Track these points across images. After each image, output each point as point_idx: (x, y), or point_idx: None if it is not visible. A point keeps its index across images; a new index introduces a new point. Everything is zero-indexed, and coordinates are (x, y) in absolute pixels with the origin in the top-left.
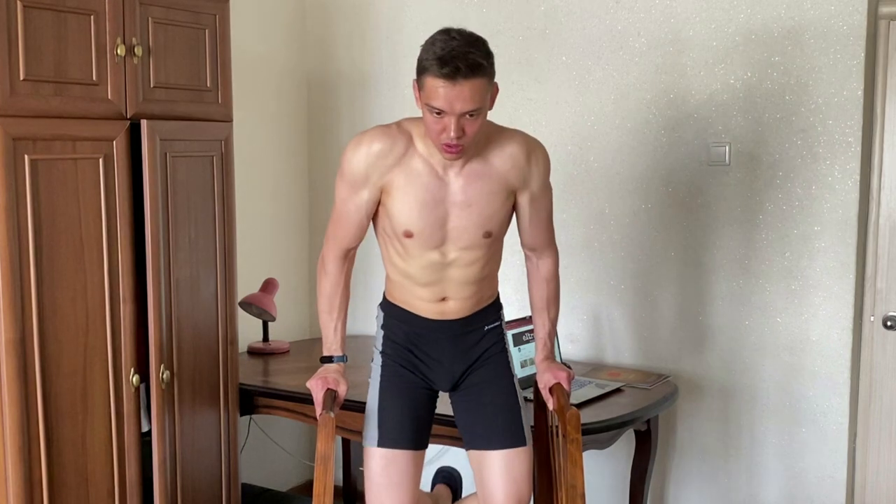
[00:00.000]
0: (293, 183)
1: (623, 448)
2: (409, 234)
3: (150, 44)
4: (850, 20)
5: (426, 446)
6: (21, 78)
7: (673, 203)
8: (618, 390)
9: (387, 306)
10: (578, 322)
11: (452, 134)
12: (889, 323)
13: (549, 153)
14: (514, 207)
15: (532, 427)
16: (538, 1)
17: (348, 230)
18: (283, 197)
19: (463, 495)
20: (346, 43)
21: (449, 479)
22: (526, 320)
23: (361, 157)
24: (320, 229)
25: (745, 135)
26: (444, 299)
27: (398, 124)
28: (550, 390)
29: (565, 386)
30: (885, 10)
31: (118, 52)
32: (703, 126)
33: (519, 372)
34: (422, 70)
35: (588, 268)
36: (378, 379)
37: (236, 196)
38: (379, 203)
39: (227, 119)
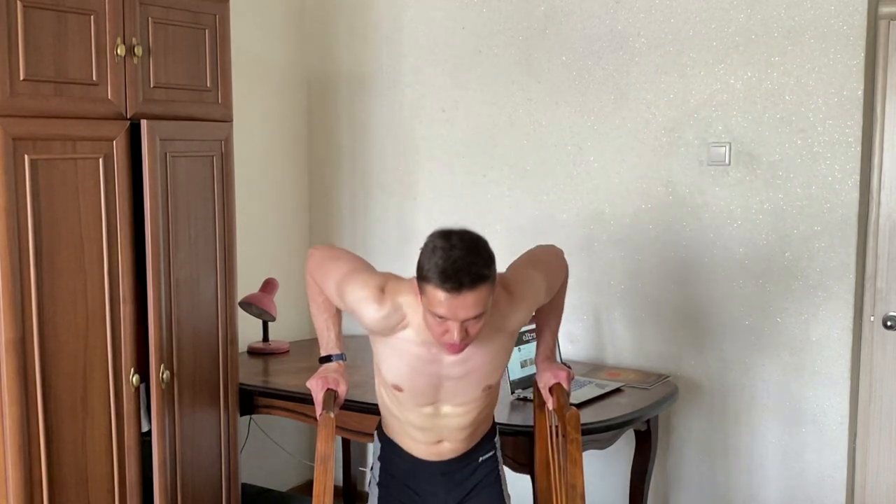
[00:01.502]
0: (293, 183)
1: (623, 448)
2: (398, 389)
3: (150, 44)
4: (850, 20)
5: None
6: (21, 78)
7: (673, 203)
8: (618, 390)
9: (383, 439)
10: (578, 322)
11: (456, 338)
12: (889, 323)
13: (549, 153)
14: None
15: None
16: (538, 1)
17: (323, 289)
18: (283, 197)
19: None
20: (346, 43)
21: None
22: None
23: (355, 300)
24: (320, 229)
25: (745, 135)
26: (439, 442)
27: (394, 302)
28: (550, 390)
29: (565, 386)
30: (885, 10)
31: (118, 52)
32: (703, 126)
33: (519, 372)
34: (423, 278)
35: (588, 268)
36: None
37: (236, 196)
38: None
39: (227, 119)
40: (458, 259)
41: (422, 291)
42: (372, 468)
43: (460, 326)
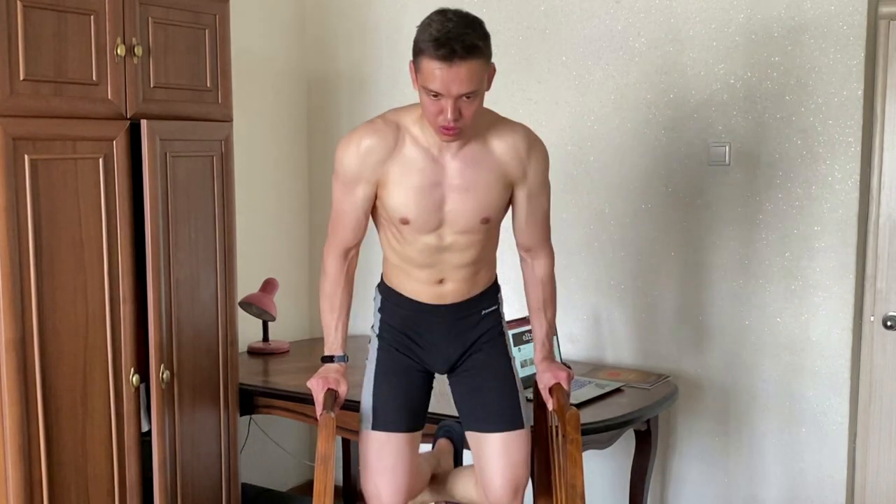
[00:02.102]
0: (293, 183)
1: (623, 448)
2: (405, 221)
3: (150, 44)
4: (850, 20)
5: (422, 427)
6: (21, 78)
7: (673, 203)
8: (618, 390)
9: (384, 290)
10: (578, 322)
11: (450, 116)
12: (889, 323)
13: (549, 153)
14: (511, 202)
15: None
16: (538, 1)
17: (347, 229)
18: (283, 197)
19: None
20: (346, 43)
21: (450, 433)
22: (526, 320)
23: (352, 156)
24: (320, 229)
25: (745, 135)
26: (441, 281)
27: (383, 117)
28: (550, 390)
29: (565, 386)
30: (885, 10)
31: (118, 52)
32: (703, 126)
33: (519, 372)
34: (417, 51)
35: (588, 268)
36: (374, 362)
37: (236, 196)
38: (376, 196)
39: (227, 119)
40: (452, 29)
41: (416, 69)
42: (373, 324)
43: (454, 104)
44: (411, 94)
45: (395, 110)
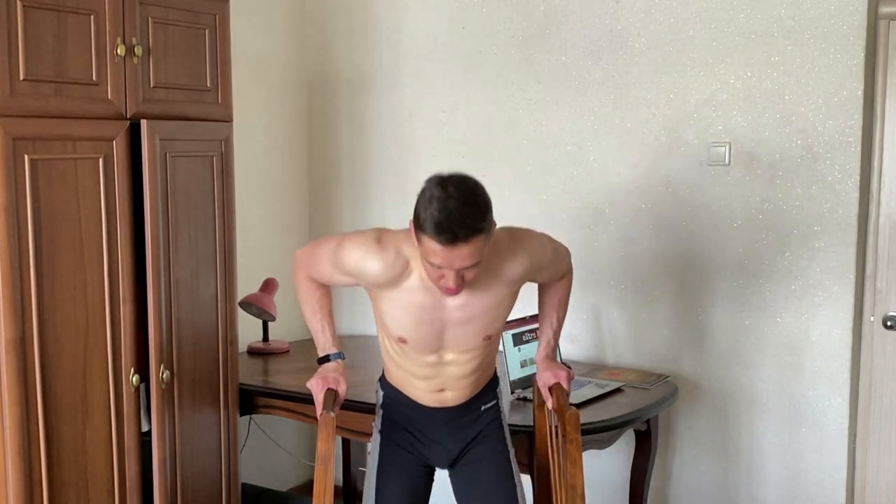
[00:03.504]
0: (293, 183)
1: (623, 448)
2: (403, 341)
3: (150, 44)
4: (850, 20)
5: None
6: (21, 78)
7: (673, 203)
8: (618, 390)
9: (385, 387)
10: (578, 322)
11: (452, 284)
12: (889, 323)
13: (549, 153)
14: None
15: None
16: (538, 1)
17: (319, 277)
18: (283, 197)
19: None
20: (346, 43)
21: None
22: (526, 320)
23: (356, 260)
24: (320, 229)
25: (745, 135)
26: (442, 390)
27: (397, 249)
28: (550, 390)
29: (565, 385)
30: (885, 10)
31: (118, 52)
32: (703, 126)
33: (519, 371)
34: (419, 227)
35: (588, 268)
36: (377, 458)
37: (236, 196)
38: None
39: (227, 119)
40: (454, 211)
41: (418, 240)
42: (374, 420)
43: (456, 274)
44: (411, 95)
45: (409, 238)
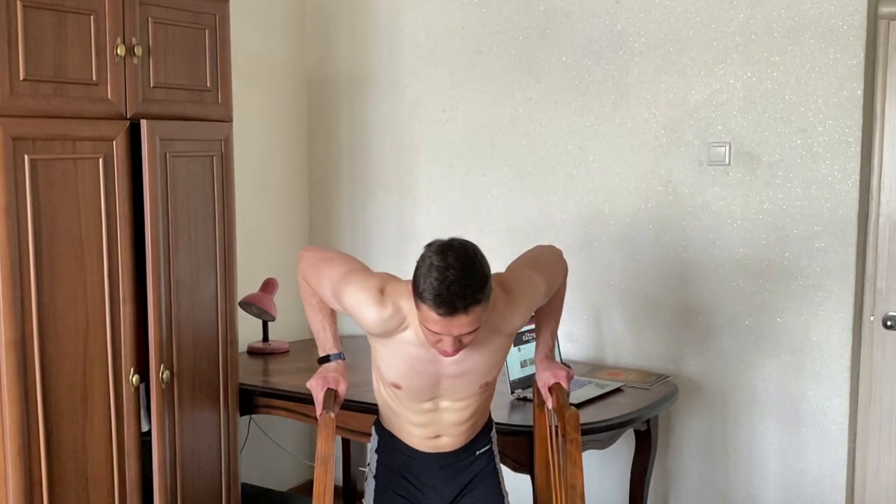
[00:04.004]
0: (293, 183)
1: (623, 448)
2: (397, 387)
3: (150, 44)
4: (850, 20)
5: None
6: (21, 78)
7: (673, 203)
8: (618, 390)
9: (381, 431)
10: (578, 322)
11: (450, 349)
12: (889, 323)
13: (548, 153)
14: None
15: None
16: (538, 1)
17: (318, 293)
18: (283, 197)
19: None
20: (346, 43)
21: None
22: None
23: (354, 303)
24: (320, 229)
25: (745, 135)
26: (437, 436)
27: (395, 304)
28: (550, 389)
29: (564, 385)
30: (885, 10)
31: (118, 52)
32: (703, 126)
33: (519, 372)
34: (418, 295)
35: (588, 268)
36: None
37: (236, 196)
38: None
39: (227, 119)
40: (453, 283)
41: (417, 305)
42: (369, 462)
43: (454, 339)
44: (411, 95)
45: (397, 286)
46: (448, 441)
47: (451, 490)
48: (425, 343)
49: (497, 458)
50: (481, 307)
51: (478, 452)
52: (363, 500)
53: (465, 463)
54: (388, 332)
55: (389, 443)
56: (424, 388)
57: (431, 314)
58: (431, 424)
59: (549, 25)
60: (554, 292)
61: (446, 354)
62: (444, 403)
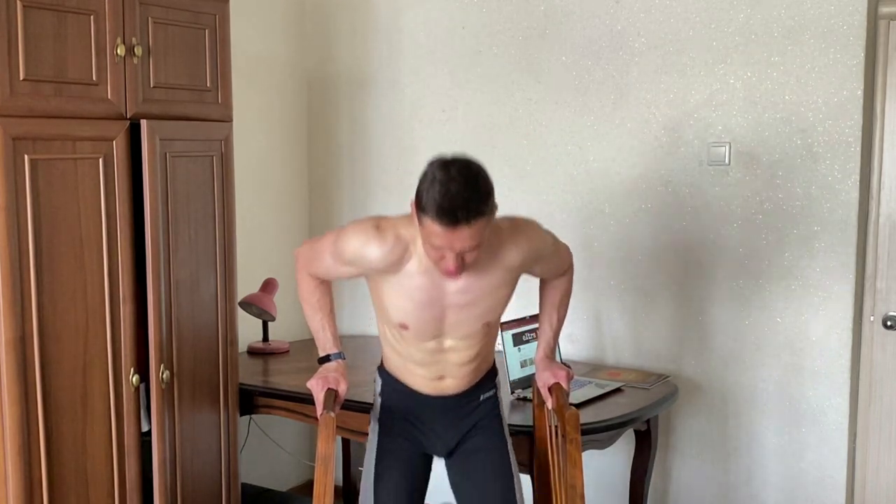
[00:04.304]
0: (293, 183)
1: (623, 448)
2: (404, 327)
3: (150, 44)
4: (850, 20)
5: None
6: (21, 78)
7: (673, 203)
8: (618, 390)
9: (384, 375)
10: (578, 322)
11: (452, 266)
12: (889, 323)
13: (549, 153)
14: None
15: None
16: (538, 1)
17: (320, 272)
18: (283, 197)
19: None
20: (346, 43)
21: None
22: (526, 320)
23: (356, 248)
24: (320, 229)
25: (745, 135)
26: (441, 378)
27: (395, 233)
28: (550, 389)
29: (564, 385)
30: (885, 10)
31: (118, 52)
32: (703, 126)
33: (519, 372)
34: (420, 208)
35: (588, 268)
36: (375, 446)
37: (236, 196)
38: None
39: (227, 119)
40: (456, 194)
41: (419, 221)
42: (373, 407)
43: (456, 256)
44: (411, 95)
45: (407, 222)
46: (452, 383)
47: (455, 435)
48: (430, 271)
49: (501, 405)
50: (484, 221)
51: (482, 398)
52: (367, 443)
53: (469, 408)
54: (394, 265)
55: (393, 386)
56: (430, 325)
57: (434, 227)
58: (436, 364)
59: (549, 25)
60: (558, 271)
61: (449, 273)
62: (449, 342)
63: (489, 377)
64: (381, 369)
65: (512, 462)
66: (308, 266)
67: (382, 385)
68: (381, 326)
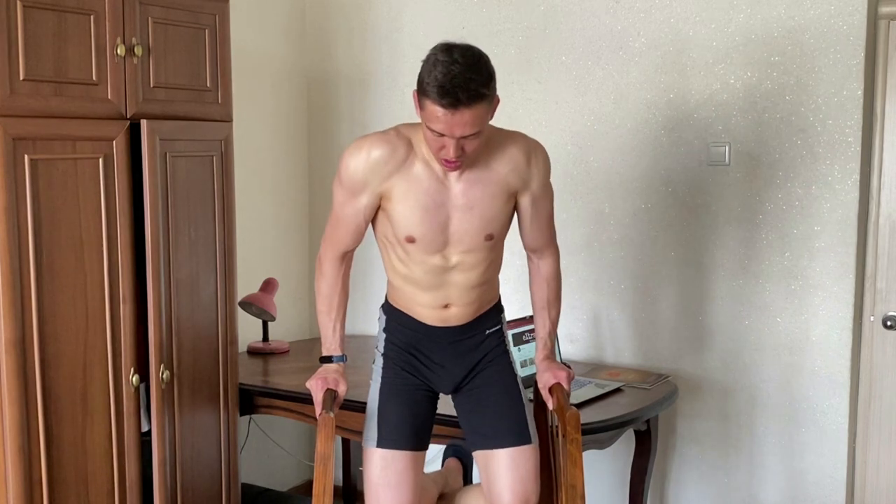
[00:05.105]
0: (293, 183)
1: (623, 448)
2: (411, 240)
3: (150, 44)
4: (850, 20)
5: (426, 447)
6: (21, 78)
7: (673, 203)
8: (618, 390)
9: (389, 310)
10: (578, 322)
11: (452, 154)
12: (889, 323)
13: (549, 153)
14: (515, 209)
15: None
16: (538, 1)
17: (346, 234)
18: (283, 197)
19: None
20: (346, 42)
21: (459, 452)
22: (526, 320)
23: (360, 163)
24: (320, 229)
25: (745, 135)
26: (446, 306)
27: (396, 130)
28: (550, 390)
29: (565, 385)
30: (885, 10)
31: (118, 51)
32: (703, 126)
33: (519, 372)
34: (422, 91)
35: (588, 268)
36: (379, 381)
37: (236, 196)
38: (379, 208)
39: (227, 119)
40: (458, 75)
41: (420, 105)
42: (377, 344)
43: (456, 143)
44: (411, 94)
45: (408, 126)
46: (457, 312)
47: (462, 369)
48: (434, 173)
49: (507, 340)
50: (485, 105)
51: (487, 332)
52: (371, 379)
53: (475, 341)
54: (401, 162)
55: (398, 319)
56: (436, 233)
57: (435, 109)
58: (441, 288)
59: (549, 25)
60: (545, 230)
61: (449, 165)
62: (454, 257)
63: (494, 311)
64: (386, 305)
65: (522, 395)
66: (332, 244)
67: (387, 321)
68: (387, 256)
